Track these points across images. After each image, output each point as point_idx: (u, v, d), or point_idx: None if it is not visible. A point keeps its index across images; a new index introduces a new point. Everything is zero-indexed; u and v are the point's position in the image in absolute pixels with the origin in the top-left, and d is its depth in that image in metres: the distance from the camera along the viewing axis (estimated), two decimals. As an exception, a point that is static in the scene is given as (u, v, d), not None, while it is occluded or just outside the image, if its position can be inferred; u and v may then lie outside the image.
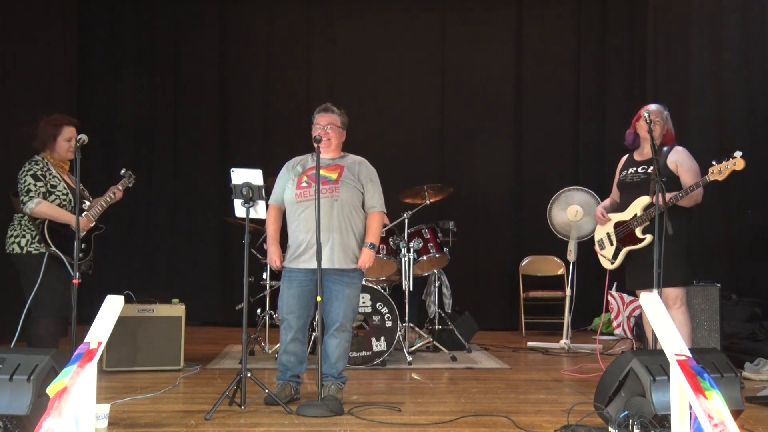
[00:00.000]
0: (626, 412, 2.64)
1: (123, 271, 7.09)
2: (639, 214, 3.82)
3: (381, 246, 4.92)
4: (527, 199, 7.28)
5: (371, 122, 7.03)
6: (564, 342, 5.75)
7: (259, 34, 7.55)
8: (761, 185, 5.03)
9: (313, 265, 3.35)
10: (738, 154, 3.48)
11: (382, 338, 4.71)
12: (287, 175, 3.65)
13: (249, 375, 3.36)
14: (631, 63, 7.33)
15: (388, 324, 4.72)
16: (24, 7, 5.91)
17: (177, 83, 7.53)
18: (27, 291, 3.69)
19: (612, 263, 3.98)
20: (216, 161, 7.42)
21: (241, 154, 7.13)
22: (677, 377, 2.25)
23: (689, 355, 2.26)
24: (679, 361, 2.23)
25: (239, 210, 3.49)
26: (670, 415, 2.35)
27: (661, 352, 2.39)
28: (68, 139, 3.86)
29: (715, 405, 2.07)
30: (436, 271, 5.50)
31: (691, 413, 2.24)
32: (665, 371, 2.55)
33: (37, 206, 3.70)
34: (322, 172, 3.45)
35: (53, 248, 3.68)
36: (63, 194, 3.82)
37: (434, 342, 5.30)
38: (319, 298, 3.30)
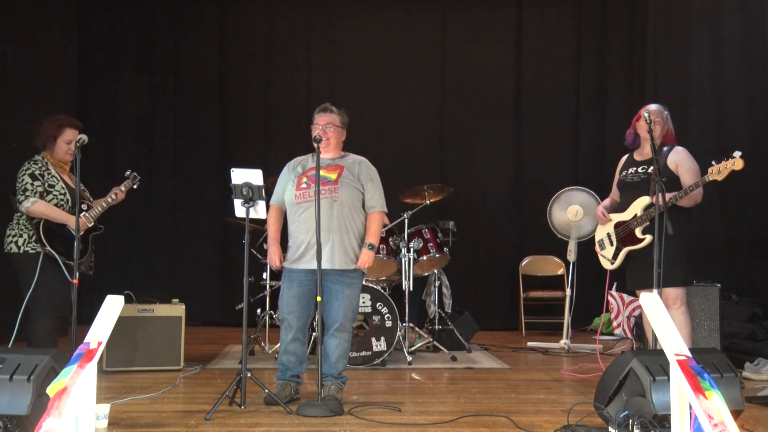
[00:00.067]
0: (626, 412, 2.64)
1: (123, 271, 7.09)
2: (639, 214, 3.82)
3: (381, 246, 4.92)
4: (527, 199, 7.28)
5: (371, 122, 7.03)
6: (564, 342, 5.75)
7: (259, 34, 7.56)
8: (761, 185, 5.03)
9: (314, 265, 3.35)
10: (737, 153, 3.48)
11: (382, 338, 4.71)
12: (288, 175, 3.65)
13: (249, 375, 3.36)
14: (631, 63, 7.33)
15: (388, 324, 4.72)
16: (24, 7, 5.91)
17: (177, 83, 7.54)
18: (25, 291, 3.69)
19: (612, 263, 3.98)
20: (216, 161, 7.43)
21: (241, 154, 7.13)
22: (677, 377, 2.25)
23: (689, 355, 2.26)
24: (679, 361, 2.23)
25: (239, 210, 3.49)
26: (670, 415, 2.34)
27: (661, 352, 2.39)
28: (68, 142, 3.86)
29: (715, 405, 2.07)
30: (436, 271, 5.50)
31: (691, 413, 2.24)
32: (665, 371, 2.55)
33: (33, 205, 3.70)
34: (321, 172, 3.45)
35: (48, 248, 3.68)
36: (61, 194, 3.82)
37: (434, 342, 5.30)
38: (319, 298, 3.30)
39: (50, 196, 3.79)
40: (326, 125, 3.59)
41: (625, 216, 3.91)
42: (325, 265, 3.38)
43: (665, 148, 3.87)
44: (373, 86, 7.45)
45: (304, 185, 3.54)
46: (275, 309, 5.04)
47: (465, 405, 3.49)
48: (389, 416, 3.21)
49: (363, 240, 3.56)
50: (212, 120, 7.52)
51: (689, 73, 5.95)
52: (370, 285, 4.78)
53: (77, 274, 3.34)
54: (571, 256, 5.87)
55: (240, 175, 3.45)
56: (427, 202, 5.39)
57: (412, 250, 5.11)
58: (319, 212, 3.31)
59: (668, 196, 3.57)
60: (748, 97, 5.35)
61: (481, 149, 7.38)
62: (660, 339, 2.36)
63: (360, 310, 4.60)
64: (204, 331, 6.71)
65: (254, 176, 3.45)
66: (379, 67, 7.48)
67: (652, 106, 3.88)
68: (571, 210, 5.82)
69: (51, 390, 2.23)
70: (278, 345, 3.98)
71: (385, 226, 4.71)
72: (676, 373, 2.25)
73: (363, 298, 4.69)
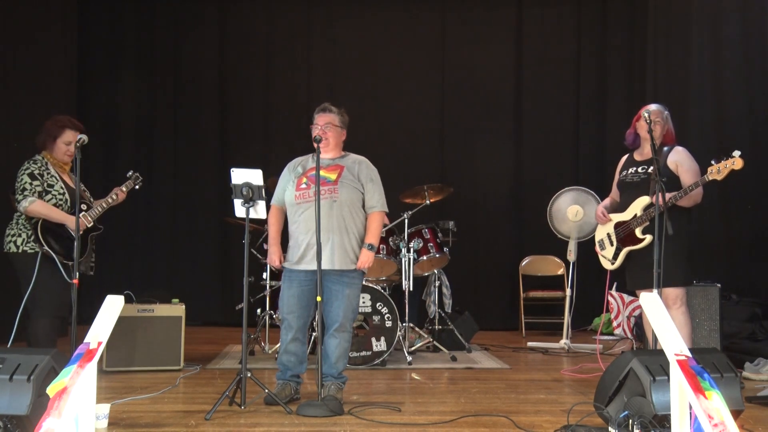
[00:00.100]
0: (626, 412, 2.64)
1: (123, 271, 7.09)
2: (639, 214, 3.82)
3: (381, 246, 4.92)
4: (527, 199, 7.28)
5: (371, 122, 7.03)
6: (564, 342, 5.75)
7: (259, 34, 7.56)
8: (761, 185, 5.03)
9: (314, 266, 3.35)
10: (736, 153, 3.48)
11: (382, 338, 4.71)
12: (288, 176, 3.65)
13: (249, 375, 3.36)
14: (631, 63, 7.33)
15: (388, 324, 4.72)
16: (24, 7, 5.91)
17: (177, 83, 7.54)
18: (24, 290, 3.69)
19: (612, 263, 3.98)
20: (216, 161, 7.43)
21: (241, 154, 7.13)
22: (677, 377, 2.25)
23: (689, 355, 2.26)
24: (679, 361, 2.23)
25: (239, 210, 3.49)
26: (670, 415, 2.34)
27: (661, 352, 2.39)
28: (67, 143, 3.87)
29: (715, 405, 2.07)
30: (436, 271, 5.50)
31: (691, 413, 2.24)
32: (665, 371, 2.55)
33: (31, 205, 3.70)
34: (321, 172, 3.44)
35: (45, 247, 3.68)
36: (59, 194, 3.82)
37: (434, 342, 5.30)
38: (319, 298, 3.30)
39: (49, 196, 3.79)
40: (325, 125, 3.58)
41: (625, 216, 3.91)
42: (325, 266, 3.38)
43: (665, 148, 3.87)
44: (373, 86, 7.45)
45: (303, 185, 3.54)
46: (275, 309, 5.04)
47: (465, 405, 3.49)
48: (389, 416, 3.21)
49: (363, 240, 3.55)
50: (212, 120, 7.52)
51: (689, 73, 5.95)
52: (370, 285, 4.78)
53: (77, 274, 3.34)
54: (571, 256, 5.87)
55: (240, 175, 3.45)
56: (427, 202, 5.39)
57: (412, 250, 5.11)
58: (319, 212, 3.31)
59: (668, 195, 3.57)
60: (748, 97, 5.35)
61: (481, 149, 7.38)
62: (660, 339, 2.36)
63: (360, 310, 4.60)
64: (204, 331, 6.71)
65: (254, 176, 3.45)
66: (379, 67, 7.48)
67: (652, 106, 3.88)
68: (571, 210, 5.82)
69: (51, 390, 2.23)
70: (278, 345, 3.99)
71: (385, 226, 4.71)
72: (676, 373, 2.25)
73: (363, 298, 4.69)
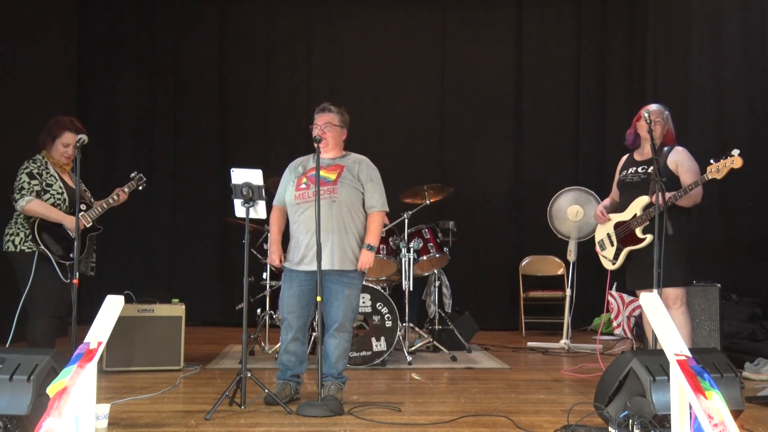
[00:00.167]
0: (626, 412, 2.64)
1: (123, 271, 7.09)
2: (639, 214, 3.82)
3: (381, 246, 4.92)
4: (527, 199, 7.28)
5: (371, 122, 7.03)
6: (564, 342, 5.75)
7: (259, 34, 7.56)
8: (761, 185, 5.03)
9: (314, 267, 3.35)
10: (735, 152, 3.48)
11: (382, 338, 4.71)
12: (289, 176, 3.66)
13: (249, 375, 3.36)
14: (631, 63, 7.33)
15: (388, 324, 4.72)
16: (24, 7, 5.91)
17: (177, 83, 7.54)
18: (22, 290, 3.70)
19: (613, 264, 3.98)
20: (216, 161, 7.43)
21: (241, 154, 7.13)
22: (677, 377, 2.25)
23: (689, 355, 2.26)
24: (679, 361, 2.23)
25: (239, 210, 3.49)
26: (670, 415, 2.34)
27: (661, 352, 2.39)
28: (65, 145, 3.87)
29: (715, 405, 2.07)
30: (436, 271, 5.50)
31: (691, 413, 2.24)
32: (665, 371, 2.55)
33: (28, 204, 3.71)
34: (321, 172, 3.44)
35: (42, 246, 3.68)
36: (58, 194, 3.82)
37: (434, 342, 5.30)
38: (319, 298, 3.30)
39: (47, 195, 3.79)
40: (325, 125, 3.58)
41: (625, 216, 3.91)
42: (324, 266, 3.37)
43: (665, 148, 3.87)
44: (373, 86, 7.45)
45: (303, 186, 3.54)
46: (275, 309, 5.04)
47: (465, 405, 3.49)
48: (389, 416, 3.21)
49: (363, 240, 3.55)
50: (212, 120, 7.52)
51: (689, 73, 5.95)
52: (370, 285, 4.78)
53: (77, 274, 3.34)
54: (571, 256, 5.87)
55: (240, 175, 3.45)
56: (427, 202, 5.39)
57: (412, 250, 5.11)
58: (319, 213, 3.31)
59: (667, 195, 3.56)
60: (748, 97, 5.35)
61: (481, 149, 7.38)
62: (660, 339, 2.36)
63: (360, 310, 4.60)
64: (204, 331, 6.71)
65: (254, 176, 3.45)
66: (379, 67, 7.48)
67: (653, 106, 3.88)
68: (571, 210, 5.82)
69: (51, 390, 2.23)
70: (278, 345, 3.99)
71: (385, 226, 4.71)
72: (676, 373, 2.25)
73: (363, 298, 4.69)
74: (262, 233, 5.32)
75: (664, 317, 2.41)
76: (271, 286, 5.24)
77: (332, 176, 3.53)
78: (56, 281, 3.71)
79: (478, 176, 7.36)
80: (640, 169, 3.91)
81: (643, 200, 3.81)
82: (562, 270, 6.97)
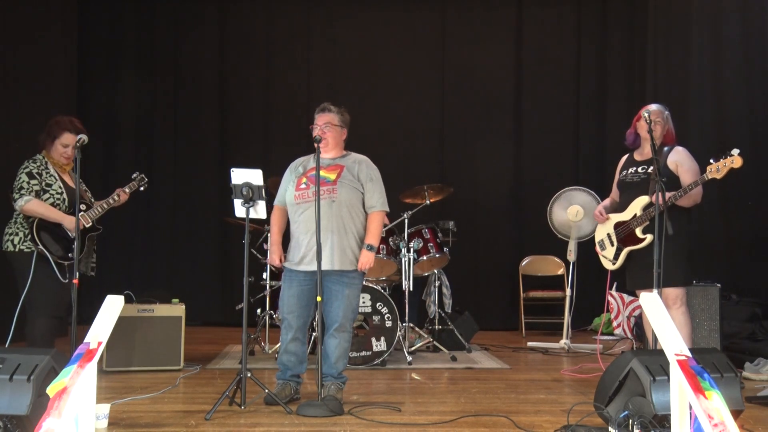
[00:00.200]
0: (626, 412, 2.64)
1: (123, 271, 7.09)
2: (639, 214, 3.82)
3: (381, 246, 4.92)
4: (527, 199, 7.28)
5: (371, 122, 7.02)
6: (564, 342, 5.75)
7: (259, 34, 7.56)
8: (761, 185, 5.03)
9: (314, 267, 3.35)
10: (735, 151, 3.49)
11: (382, 338, 4.71)
12: (289, 176, 3.66)
13: (249, 375, 3.36)
14: (631, 63, 7.33)
15: (388, 324, 4.72)
16: (24, 7, 5.91)
17: (177, 83, 7.54)
18: (21, 290, 3.70)
19: (613, 264, 3.98)
20: (216, 161, 7.43)
21: (241, 154, 7.13)
22: (677, 377, 2.25)
23: (689, 355, 2.26)
24: (679, 361, 2.23)
25: (239, 210, 3.49)
26: (670, 415, 2.34)
27: (661, 352, 2.39)
28: (65, 145, 3.87)
29: (715, 405, 2.07)
30: (436, 271, 5.50)
31: (691, 413, 2.24)
32: (665, 371, 2.55)
33: (27, 204, 3.71)
34: (321, 172, 3.44)
35: (40, 246, 3.68)
36: (57, 193, 3.82)
37: (434, 342, 5.30)
38: (319, 298, 3.30)
39: (46, 195, 3.79)
40: (325, 125, 3.58)
41: (625, 216, 3.91)
42: (324, 266, 3.37)
43: (665, 148, 3.87)
44: (373, 86, 7.45)
45: (303, 186, 3.54)
46: (275, 309, 5.04)
47: (465, 405, 3.49)
48: (389, 416, 3.21)
49: (363, 240, 3.55)
50: (212, 120, 7.52)
51: (689, 73, 5.95)
52: (370, 285, 4.78)
53: (77, 274, 3.34)
54: (571, 256, 5.87)
55: (240, 175, 3.45)
56: (427, 202, 5.39)
57: (412, 250, 5.11)
58: (319, 213, 3.31)
59: (668, 195, 3.56)
60: (748, 97, 5.35)
61: (481, 149, 7.38)
62: (660, 339, 2.36)
63: (360, 310, 4.60)
64: (204, 331, 6.71)
65: (254, 176, 3.45)
66: (379, 67, 7.48)
67: (653, 106, 3.88)
68: (571, 210, 5.82)
69: (51, 390, 2.23)
70: (278, 345, 3.98)
71: (385, 226, 4.71)
72: (676, 373, 2.25)
73: (363, 298, 4.69)
74: (262, 233, 5.31)
75: (664, 317, 2.41)
76: (271, 286, 5.24)
77: (332, 176, 3.53)
78: (55, 281, 3.71)
79: (478, 176, 7.35)
80: (640, 169, 3.91)
81: (643, 200, 3.81)
82: (562, 270, 6.97)
